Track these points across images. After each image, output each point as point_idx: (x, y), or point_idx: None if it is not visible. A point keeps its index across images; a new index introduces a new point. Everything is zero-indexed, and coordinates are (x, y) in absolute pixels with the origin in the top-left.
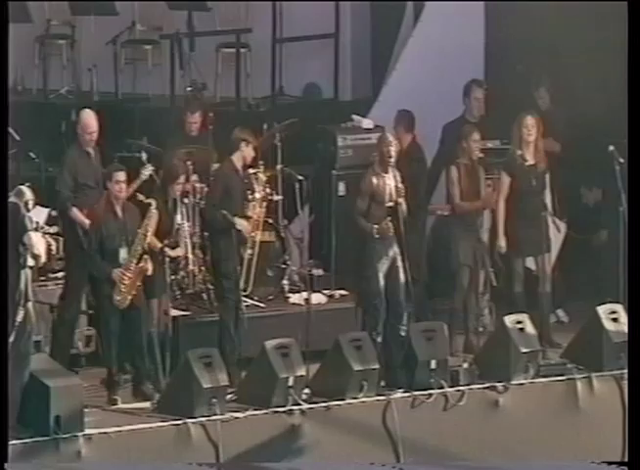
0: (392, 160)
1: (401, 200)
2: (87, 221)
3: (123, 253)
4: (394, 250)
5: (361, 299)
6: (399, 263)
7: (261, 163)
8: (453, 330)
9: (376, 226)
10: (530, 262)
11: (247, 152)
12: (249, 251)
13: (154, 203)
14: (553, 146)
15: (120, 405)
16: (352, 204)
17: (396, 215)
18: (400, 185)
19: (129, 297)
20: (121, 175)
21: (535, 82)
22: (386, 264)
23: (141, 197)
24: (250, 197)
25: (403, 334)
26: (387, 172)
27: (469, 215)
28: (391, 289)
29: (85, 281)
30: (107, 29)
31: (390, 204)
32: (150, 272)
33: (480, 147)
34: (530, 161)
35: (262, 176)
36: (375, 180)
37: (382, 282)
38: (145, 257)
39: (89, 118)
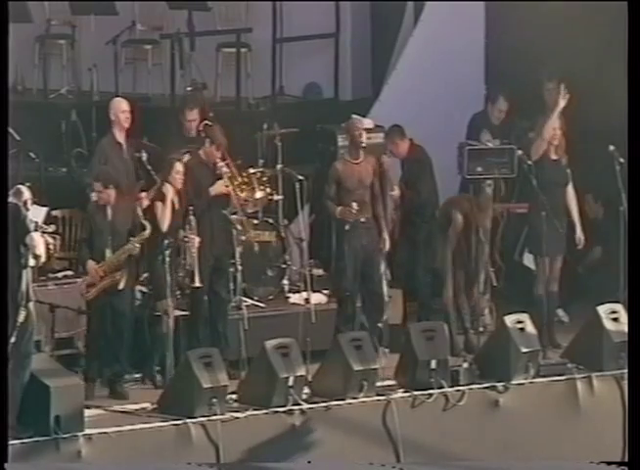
0: (362, 146)
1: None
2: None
3: (108, 252)
4: (369, 240)
5: (335, 292)
6: (376, 255)
7: (262, 161)
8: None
9: (339, 208)
10: (529, 261)
11: (207, 149)
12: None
13: (148, 227)
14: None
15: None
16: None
17: (376, 205)
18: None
19: (91, 295)
20: (98, 186)
21: (547, 75)
22: (360, 255)
23: (145, 224)
24: (249, 196)
25: (380, 326)
26: (356, 159)
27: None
28: (369, 281)
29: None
30: (107, 29)
31: (362, 192)
32: (122, 286)
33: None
34: (554, 157)
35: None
36: (340, 167)
37: (353, 274)
38: (121, 271)
39: (121, 101)
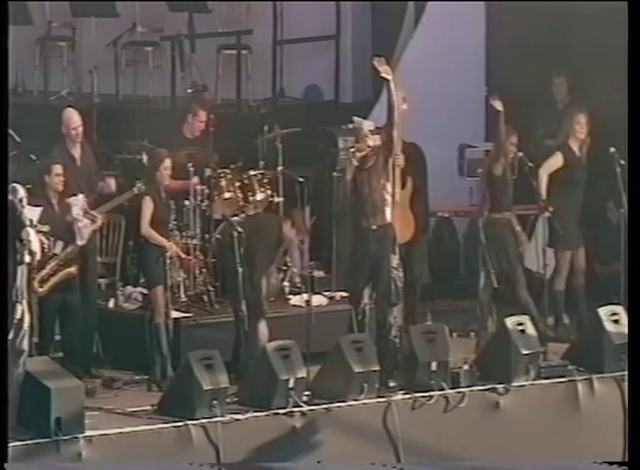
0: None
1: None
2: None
3: (58, 246)
4: (378, 248)
5: (348, 293)
6: (383, 260)
7: (262, 163)
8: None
9: None
10: (531, 264)
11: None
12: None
13: (99, 220)
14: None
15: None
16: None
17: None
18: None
19: (45, 289)
20: (59, 168)
21: (557, 68)
22: (369, 260)
23: (89, 211)
24: (250, 198)
25: (391, 335)
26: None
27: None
28: (376, 286)
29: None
30: (107, 31)
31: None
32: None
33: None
34: (578, 155)
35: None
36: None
37: (363, 276)
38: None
39: (72, 114)
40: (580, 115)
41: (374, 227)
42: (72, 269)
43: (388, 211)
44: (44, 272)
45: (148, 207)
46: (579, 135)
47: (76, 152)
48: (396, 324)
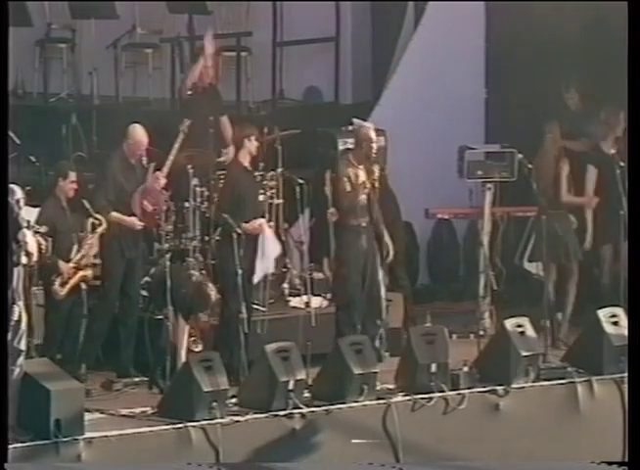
0: (372, 155)
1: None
2: (136, 222)
3: (74, 250)
4: (368, 244)
5: (337, 295)
6: (375, 259)
7: (262, 165)
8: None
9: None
10: (531, 266)
11: (251, 146)
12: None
13: (104, 223)
14: (580, 146)
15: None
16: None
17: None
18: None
19: (65, 291)
20: (73, 176)
21: (566, 82)
22: (362, 259)
23: (94, 215)
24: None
25: (381, 331)
26: (360, 164)
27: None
28: (369, 286)
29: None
30: (107, 33)
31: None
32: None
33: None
34: (613, 152)
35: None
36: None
37: (356, 277)
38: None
39: (142, 136)
40: (605, 114)
41: (364, 224)
42: (88, 273)
43: (375, 207)
44: (63, 275)
45: None
46: (609, 134)
47: (135, 161)
48: (389, 323)
